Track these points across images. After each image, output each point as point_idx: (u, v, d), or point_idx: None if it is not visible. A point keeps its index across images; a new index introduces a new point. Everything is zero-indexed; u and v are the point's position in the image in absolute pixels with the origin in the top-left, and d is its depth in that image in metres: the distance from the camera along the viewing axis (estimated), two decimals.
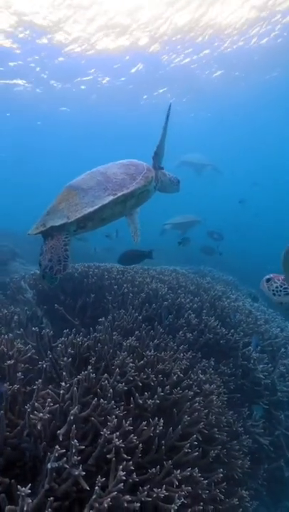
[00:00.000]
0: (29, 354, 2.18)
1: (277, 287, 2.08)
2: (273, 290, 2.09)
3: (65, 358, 2.06)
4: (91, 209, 2.31)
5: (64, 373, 1.99)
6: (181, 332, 2.95)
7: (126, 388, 2.01)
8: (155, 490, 1.61)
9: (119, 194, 2.42)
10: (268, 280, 2.12)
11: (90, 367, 2.02)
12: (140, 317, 2.98)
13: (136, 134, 19.24)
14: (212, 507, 1.85)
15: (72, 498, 1.66)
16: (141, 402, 2.01)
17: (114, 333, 2.55)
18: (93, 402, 1.82)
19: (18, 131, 20.78)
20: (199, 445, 2.13)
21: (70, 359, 2.08)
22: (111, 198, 2.39)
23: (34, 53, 12.82)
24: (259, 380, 3.05)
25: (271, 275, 2.11)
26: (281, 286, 2.06)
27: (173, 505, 1.60)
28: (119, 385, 1.98)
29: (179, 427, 1.98)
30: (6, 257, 6.18)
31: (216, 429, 2.22)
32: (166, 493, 1.63)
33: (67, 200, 2.36)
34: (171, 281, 3.95)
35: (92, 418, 1.80)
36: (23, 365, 2.28)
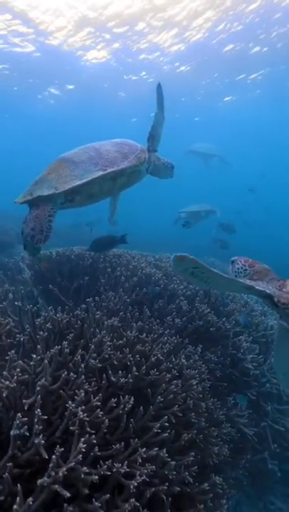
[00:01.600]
0: (8, 327, 2.20)
1: (238, 268, 2.09)
2: (235, 271, 2.09)
3: (41, 332, 2.06)
4: (80, 182, 2.31)
5: (39, 346, 2.00)
6: (169, 317, 2.92)
7: (100, 365, 2.00)
8: (116, 465, 1.60)
9: (109, 170, 2.41)
10: (232, 262, 2.14)
11: (65, 342, 2.02)
12: (128, 300, 2.95)
13: None
14: (178, 488, 1.83)
15: (36, 467, 1.67)
16: (114, 380, 2.00)
17: (97, 312, 2.54)
18: (63, 376, 1.82)
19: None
20: (175, 428, 2.12)
21: (47, 333, 2.08)
22: (101, 173, 2.38)
23: None
24: (248, 370, 2.99)
25: (236, 257, 2.12)
26: (242, 268, 2.05)
27: (133, 482, 1.58)
28: (92, 361, 1.97)
29: (151, 407, 1.96)
30: (13, 240, 6.27)
31: (193, 414, 2.18)
32: (128, 470, 1.62)
33: (57, 172, 2.36)
34: (168, 268, 3.89)
35: (61, 391, 1.80)
36: (9, 340, 2.31)
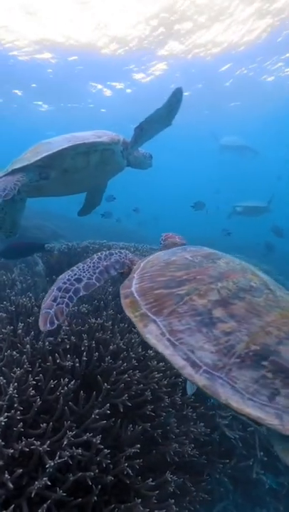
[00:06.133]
0: None
1: (160, 241, 2.17)
2: (160, 243, 2.20)
3: (1, 313, 2.18)
4: (49, 153, 2.45)
5: None
6: None
7: (49, 348, 2.05)
8: (36, 443, 1.62)
9: (78, 142, 2.52)
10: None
11: (21, 324, 2.11)
12: (111, 290, 2.95)
13: None
14: (112, 478, 1.78)
15: None
16: (63, 363, 2.02)
17: None
18: (6, 354, 1.90)
19: None
20: (132, 419, 2.08)
21: (5, 315, 2.19)
22: (70, 144, 2.49)
23: None
24: None
25: (164, 233, 2.15)
26: (161, 241, 2.15)
27: (51, 462, 1.59)
28: (41, 343, 2.02)
29: (94, 393, 1.94)
30: (47, 236, 6.67)
31: (148, 406, 2.10)
32: (48, 449, 1.63)
33: (33, 151, 2.58)
34: None
35: (4, 368, 1.89)
36: None
